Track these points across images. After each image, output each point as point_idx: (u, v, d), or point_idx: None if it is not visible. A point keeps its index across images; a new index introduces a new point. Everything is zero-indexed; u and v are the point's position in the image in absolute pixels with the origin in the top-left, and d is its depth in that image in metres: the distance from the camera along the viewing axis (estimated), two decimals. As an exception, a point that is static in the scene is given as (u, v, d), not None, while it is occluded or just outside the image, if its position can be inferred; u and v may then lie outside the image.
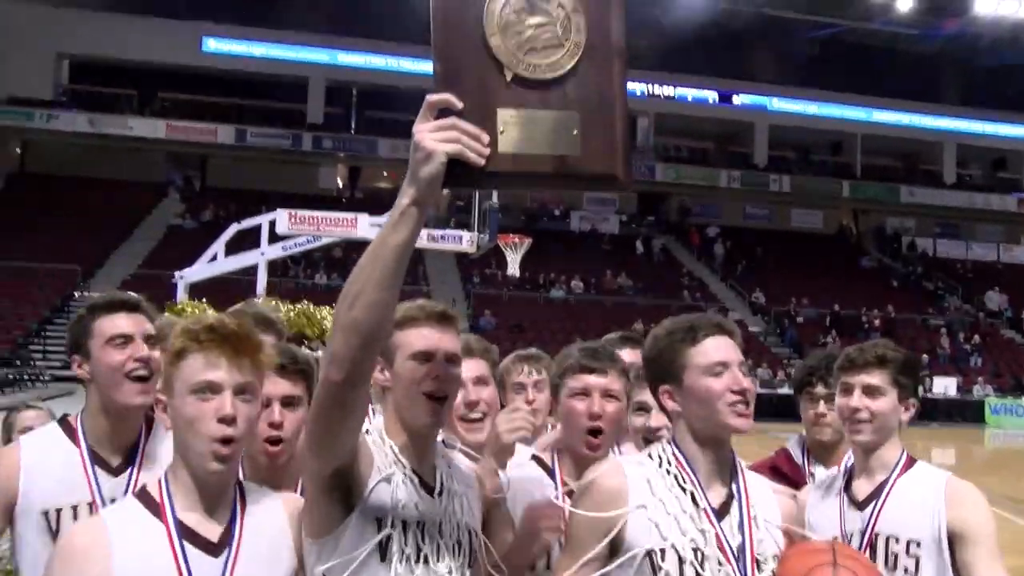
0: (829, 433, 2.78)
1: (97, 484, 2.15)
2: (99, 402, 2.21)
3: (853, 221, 38.35)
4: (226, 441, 1.61)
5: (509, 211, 26.54)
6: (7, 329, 22.02)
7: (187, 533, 1.64)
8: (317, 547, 1.69)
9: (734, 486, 1.90)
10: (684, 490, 1.85)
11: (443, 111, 1.47)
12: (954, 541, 2.12)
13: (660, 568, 1.77)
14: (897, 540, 2.16)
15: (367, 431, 1.78)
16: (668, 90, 35.65)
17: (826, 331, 28.39)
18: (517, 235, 16.97)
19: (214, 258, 11.90)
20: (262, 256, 11.69)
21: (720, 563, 1.79)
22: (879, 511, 2.22)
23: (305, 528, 1.71)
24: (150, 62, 31.09)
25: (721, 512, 1.85)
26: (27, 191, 29.53)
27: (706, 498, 1.85)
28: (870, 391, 2.26)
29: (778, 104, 36.20)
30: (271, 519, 1.73)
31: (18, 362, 20.08)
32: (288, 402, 2.01)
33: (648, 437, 2.40)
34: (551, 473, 2.26)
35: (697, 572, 1.78)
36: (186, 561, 1.61)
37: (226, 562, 1.64)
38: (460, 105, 1.47)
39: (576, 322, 23.68)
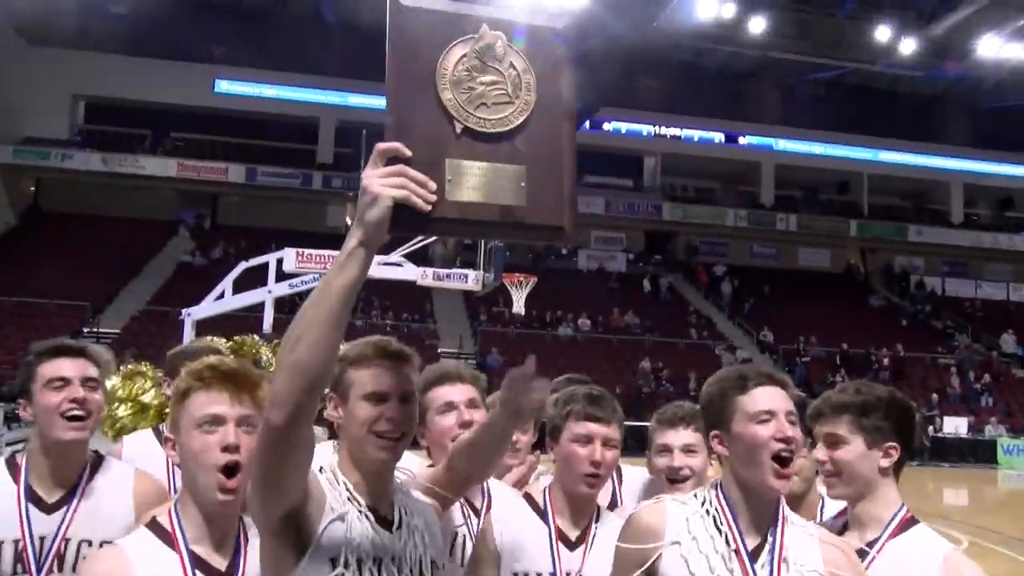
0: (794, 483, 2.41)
1: (28, 521, 2.22)
2: (39, 442, 2.31)
3: (861, 260, 38.34)
4: (231, 471, 1.71)
5: (516, 250, 26.65)
6: (18, 364, 22.09)
7: (199, 563, 1.73)
8: None
9: (772, 531, 1.92)
10: (720, 531, 1.91)
11: (393, 158, 1.51)
12: None
13: None
14: None
15: (320, 468, 1.78)
16: (675, 131, 35.94)
17: (835, 370, 28.24)
18: (522, 274, 17.03)
19: (221, 295, 11.98)
20: (269, 294, 11.76)
21: None
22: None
23: (262, 568, 1.72)
24: (163, 103, 31.59)
25: (754, 555, 1.89)
26: (40, 228, 29.86)
27: (742, 540, 1.90)
28: (832, 441, 2.15)
29: (784, 144, 36.42)
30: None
31: (27, 395, 20.08)
32: None
33: (672, 477, 2.55)
34: (543, 512, 2.31)
35: None
36: None
37: None
38: (409, 153, 1.52)
39: (583, 360, 23.64)
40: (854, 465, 2.12)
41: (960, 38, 28.92)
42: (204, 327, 11.60)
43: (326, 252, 11.52)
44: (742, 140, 36.51)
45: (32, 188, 32.71)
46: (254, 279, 13.36)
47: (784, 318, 30.85)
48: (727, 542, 1.90)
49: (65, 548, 2.19)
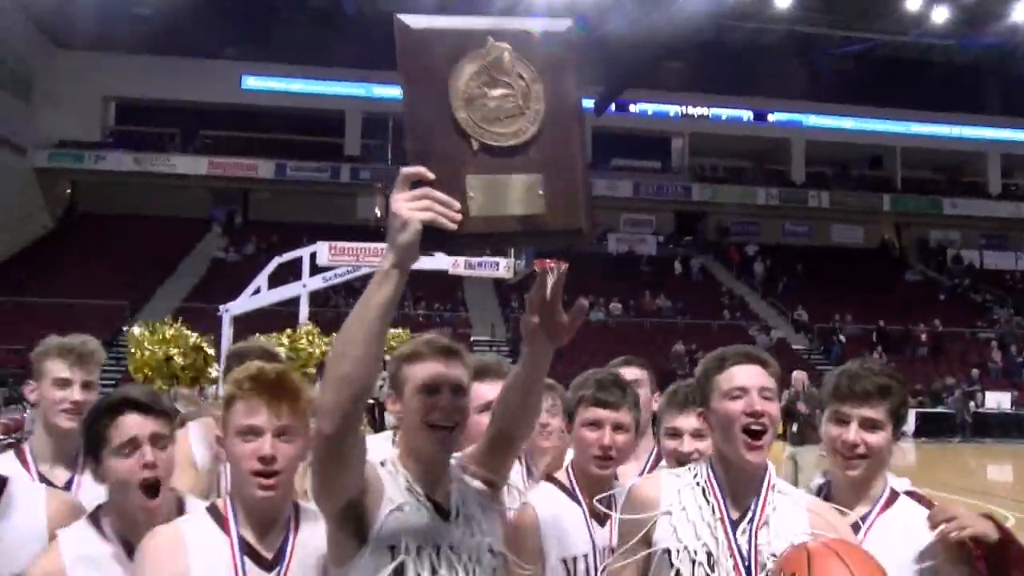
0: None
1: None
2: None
3: (895, 235, 37.77)
4: (267, 475, 1.85)
5: (546, 235, 26.63)
6: (59, 365, 22.57)
7: (247, 548, 1.87)
8: (338, 574, 1.83)
9: (756, 500, 2.06)
10: (708, 501, 2.06)
11: (417, 182, 1.58)
12: None
13: (673, 565, 2.00)
14: None
15: (382, 463, 1.90)
16: (702, 110, 35.59)
17: (872, 347, 27.89)
18: (553, 260, 17.00)
19: (257, 291, 12.12)
20: (304, 288, 11.88)
21: (728, 566, 1.99)
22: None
23: (328, 556, 1.86)
24: (191, 101, 31.94)
25: (738, 522, 2.04)
26: (77, 230, 30.41)
27: (726, 509, 2.05)
28: (869, 425, 2.16)
29: (814, 120, 35.91)
30: (321, 536, 1.87)
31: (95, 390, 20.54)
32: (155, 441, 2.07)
33: (682, 461, 2.51)
34: (572, 493, 2.43)
35: (706, 571, 1.98)
36: (244, 573, 1.85)
37: (280, 574, 1.88)
38: (432, 176, 1.59)
39: (615, 344, 23.53)
40: (884, 451, 2.17)
41: (994, 5, 28.26)
42: (241, 322, 11.77)
43: (358, 245, 11.60)
44: (771, 117, 36.05)
45: (68, 191, 33.30)
46: (288, 273, 13.50)
47: (818, 296, 30.50)
48: (713, 511, 2.04)
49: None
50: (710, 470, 2.11)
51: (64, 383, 2.63)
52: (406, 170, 1.60)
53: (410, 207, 1.56)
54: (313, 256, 11.76)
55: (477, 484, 2.03)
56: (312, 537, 1.90)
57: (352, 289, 26.99)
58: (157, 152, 31.93)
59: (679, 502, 2.06)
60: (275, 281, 12.57)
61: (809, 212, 35.74)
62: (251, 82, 32.89)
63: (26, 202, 30.02)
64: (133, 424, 2.01)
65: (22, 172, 30.07)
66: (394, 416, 1.97)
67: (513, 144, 1.66)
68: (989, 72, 35.19)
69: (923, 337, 28.50)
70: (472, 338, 26.33)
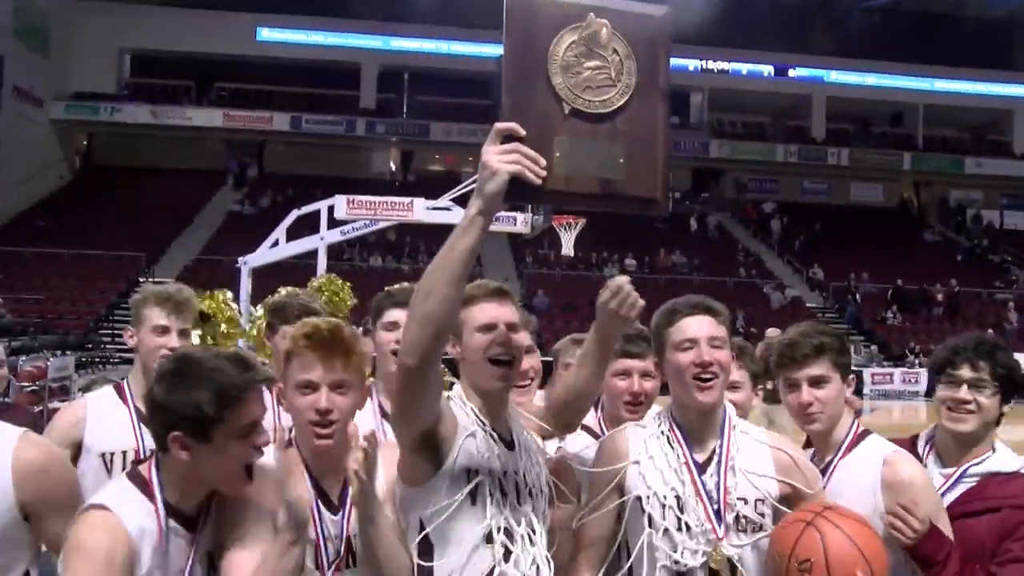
0: (973, 423, 2.38)
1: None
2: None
3: (915, 194, 37.32)
4: (324, 425, 2.01)
5: (561, 191, 26.50)
6: (78, 314, 22.86)
7: (318, 491, 2.06)
8: (412, 494, 2.00)
9: (718, 442, 2.20)
10: (672, 448, 2.19)
11: (508, 137, 1.70)
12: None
13: (645, 511, 2.13)
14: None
15: (448, 396, 2.06)
16: (722, 64, 35.03)
17: (887, 306, 27.78)
18: (571, 216, 16.96)
19: (276, 243, 12.18)
20: (322, 241, 11.92)
21: (697, 508, 2.11)
22: (824, 488, 2.29)
23: (400, 477, 2.02)
24: (207, 53, 31.75)
25: (704, 465, 2.17)
26: (94, 182, 30.53)
27: (690, 454, 2.18)
28: (816, 382, 2.35)
29: (836, 76, 35.28)
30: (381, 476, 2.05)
31: (89, 345, 20.84)
32: None
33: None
34: (600, 437, 2.59)
35: (676, 515, 2.12)
36: (320, 514, 2.04)
37: (343, 517, 2.06)
38: (523, 133, 1.70)
39: (630, 301, 23.59)
40: (837, 401, 2.36)
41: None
42: (259, 274, 11.85)
43: (376, 199, 11.62)
44: (792, 73, 35.44)
45: (85, 142, 33.36)
46: (303, 226, 13.54)
47: (835, 255, 30.31)
48: (679, 457, 2.17)
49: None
50: (671, 418, 2.24)
51: (163, 330, 2.77)
52: (500, 124, 1.71)
53: (500, 159, 1.66)
54: (331, 209, 11.78)
55: (522, 422, 2.20)
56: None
57: (366, 243, 27.11)
58: (173, 104, 31.87)
59: (646, 451, 2.19)
60: (291, 234, 12.62)
61: (828, 170, 35.33)
62: (266, 34, 32.63)
63: (44, 153, 30.11)
64: None
65: (39, 124, 30.12)
66: (455, 358, 2.12)
67: (602, 112, 1.79)
68: (1020, 28, 34.37)
69: (939, 297, 28.32)
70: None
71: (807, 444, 2.53)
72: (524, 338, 2.42)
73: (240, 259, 11.87)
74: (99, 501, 1.85)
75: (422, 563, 1.97)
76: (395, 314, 2.72)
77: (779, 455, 2.21)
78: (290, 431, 2.14)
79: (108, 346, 20.97)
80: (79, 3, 30.89)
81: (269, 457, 1.99)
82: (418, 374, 1.79)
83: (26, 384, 11.65)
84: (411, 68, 33.82)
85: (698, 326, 2.20)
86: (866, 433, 2.39)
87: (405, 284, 2.79)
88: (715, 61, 34.85)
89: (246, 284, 11.39)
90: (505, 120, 1.72)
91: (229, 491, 1.92)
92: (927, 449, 2.51)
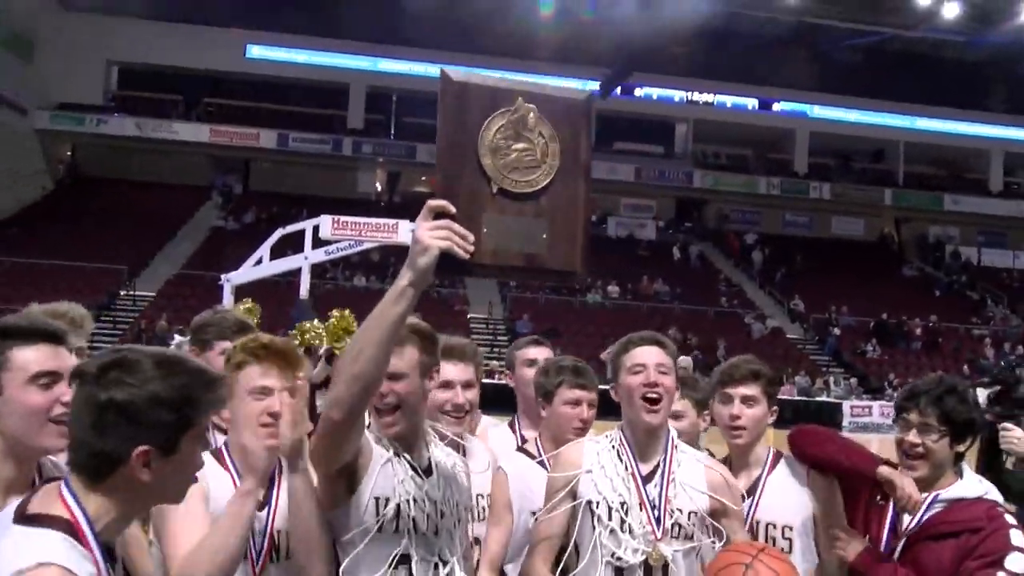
0: (923, 469, 2.46)
1: None
2: None
3: (895, 229, 37.79)
4: (275, 427, 2.10)
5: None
6: (56, 327, 22.58)
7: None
8: (329, 517, 2.12)
9: (662, 458, 2.50)
10: (621, 460, 2.49)
11: (440, 214, 1.81)
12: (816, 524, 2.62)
13: (595, 514, 2.42)
14: (774, 526, 2.64)
15: (368, 425, 2.18)
16: (707, 97, 35.45)
17: (867, 339, 28.01)
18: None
19: (259, 261, 12.11)
20: (306, 260, 11.84)
21: (640, 513, 2.40)
22: (757, 502, 2.67)
23: (320, 502, 2.12)
24: (195, 68, 31.76)
25: (649, 477, 2.47)
26: (77, 193, 30.31)
27: (637, 466, 2.48)
28: (747, 401, 2.71)
29: (819, 111, 35.80)
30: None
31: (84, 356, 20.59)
32: None
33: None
34: (539, 459, 2.86)
35: (621, 518, 2.40)
36: None
37: (268, 513, 2.18)
38: (454, 210, 1.82)
39: (612, 327, 23.66)
40: (761, 422, 2.72)
41: (1005, 3, 28.11)
42: (242, 291, 11.78)
43: (362, 220, 11.57)
44: (776, 107, 35.94)
45: (68, 153, 33.15)
46: (287, 244, 13.49)
47: (816, 287, 30.59)
48: (626, 468, 2.47)
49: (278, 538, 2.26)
50: (622, 434, 2.54)
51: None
52: (432, 202, 1.83)
53: (431, 235, 1.78)
54: (316, 229, 11.74)
55: (448, 450, 2.41)
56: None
57: (350, 263, 27.04)
58: (159, 118, 31.77)
59: (598, 462, 2.48)
60: (275, 252, 12.56)
61: (810, 203, 35.75)
62: (256, 51, 32.68)
63: (26, 163, 29.88)
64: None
65: (23, 133, 29.92)
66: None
67: (527, 191, 1.91)
68: (997, 70, 35.07)
69: (918, 331, 28.61)
70: (469, 315, 26.41)
71: (725, 460, 2.85)
72: (467, 372, 2.76)
73: (223, 276, 11.80)
74: (46, 559, 1.40)
75: None
76: (223, 346, 2.94)
77: (712, 474, 2.53)
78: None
79: (88, 358, 20.68)
80: (67, 13, 30.84)
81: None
82: (344, 426, 1.92)
83: None
84: (399, 90, 33.96)
85: (648, 354, 2.50)
86: (781, 454, 2.76)
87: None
88: (700, 93, 35.28)
89: (228, 301, 11.31)
90: (438, 197, 1.83)
91: (168, 503, 1.71)
92: None
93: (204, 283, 22.40)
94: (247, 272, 11.96)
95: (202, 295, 21.62)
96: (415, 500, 2.13)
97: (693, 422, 3.21)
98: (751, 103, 35.77)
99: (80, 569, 1.42)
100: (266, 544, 2.16)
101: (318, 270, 16.61)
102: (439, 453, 2.31)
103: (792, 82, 34.88)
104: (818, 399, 22.97)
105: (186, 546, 1.95)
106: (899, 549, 2.44)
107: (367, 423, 2.16)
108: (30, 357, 1.80)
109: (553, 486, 2.50)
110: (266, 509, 2.17)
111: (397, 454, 2.17)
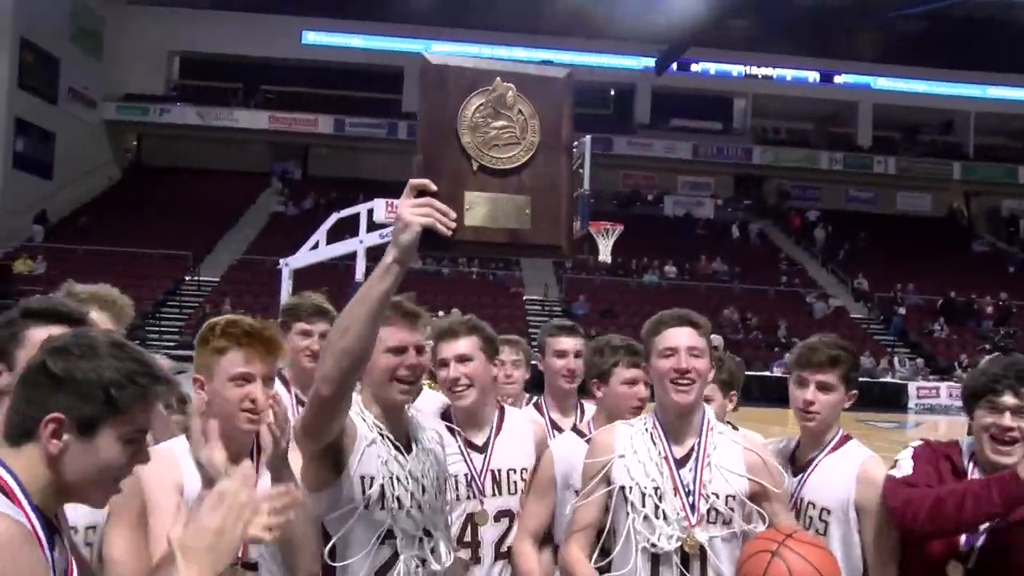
0: (1019, 453, 2.36)
1: None
2: None
3: (964, 204, 36.50)
4: (255, 412, 2.16)
5: (601, 197, 26.42)
6: (126, 312, 23.34)
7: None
8: (314, 499, 2.14)
9: (697, 441, 2.45)
10: (654, 444, 2.45)
11: (422, 192, 1.84)
12: (859, 514, 2.54)
13: (628, 499, 2.40)
14: (814, 506, 2.61)
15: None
16: (766, 71, 34.66)
17: (934, 318, 27.20)
18: (609, 222, 16.91)
19: (316, 246, 12.31)
20: (360, 244, 12.01)
21: (674, 499, 2.37)
22: (805, 480, 2.66)
23: (303, 482, 2.13)
24: (253, 56, 32.28)
25: (683, 461, 2.43)
26: (142, 181, 31.19)
27: (670, 450, 2.44)
28: (824, 387, 2.63)
29: (883, 83, 34.68)
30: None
31: (136, 341, 21.29)
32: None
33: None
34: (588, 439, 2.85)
35: (655, 504, 2.37)
36: None
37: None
38: (435, 188, 1.84)
39: (668, 308, 23.39)
40: (836, 409, 2.66)
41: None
42: (300, 275, 12.01)
43: (415, 202, 11.69)
44: (838, 79, 34.93)
45: (134, 143, 34.10)
46: (344, 228, 13.68)
47: (881, 265, 29.78)
48: (660, 452, 2.43)
49: None
50: (655, 418, 2.51)
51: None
52: (413, 181, 1.85)
53: (413, 212, 1.80)
54: (371, 212, 11.88)
55: (431, 424, 2.46)
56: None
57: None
58: (219, 106, 32.42)
59: (631, 446, 2.45)
60: (332, 236, 12.75)
61: (874, 178, 34.75)
62: (312, 37, 33.05)
63: (96, 154, 30.86)
64: None
65: (92, 125, 30.88)
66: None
67: (508, 168, 1.93)
68: (1074, 34, 33.47)
69: (989, 309, 27.65)
70: (525, 297, 26.44)
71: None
72: (466, 346, 2.72)
73: (281, 261, 12.03)
74: None
75: (327, 563, 2.14)
76: (300, 326, 3.21)
77: (750, 455, 2.47)
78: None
79: (155, 343, 21.35)
80: (130, 7, 31.61)
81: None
82: (332, 401, 1.94)
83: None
84: (454, 72, 33.95)
85: (679, 336, 2.45)
86: (848, 438, 2.70)
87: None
88: (759, 67, 34.50)
89: (287, 285, 11.54)
90: (419, 176, 1.85)
91: (87, 504, 1.59)
92: (971, 466, 2.50)
93: (265, 268, 22.85)
94: (304, 256, 12.18)
95: (263, 280, 22.06)
96: (398, 479, 2.19)
97: (720, 404, 3.16)
98: (812, 76, 34.83)
99: (20, 520, 1.42)
100: None
101: (375, 253, 16.77)
102: (418, 429, 2.36)
103: (854, 53, 33.83)
104: (882, 380, 22.39)
105: (158, 552, 1.85)
106: (985, 536, 2.35)
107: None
108: (43, 336, 1.83)
109: (588, 472, 2.50)
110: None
111: (381, 434, 2.21)
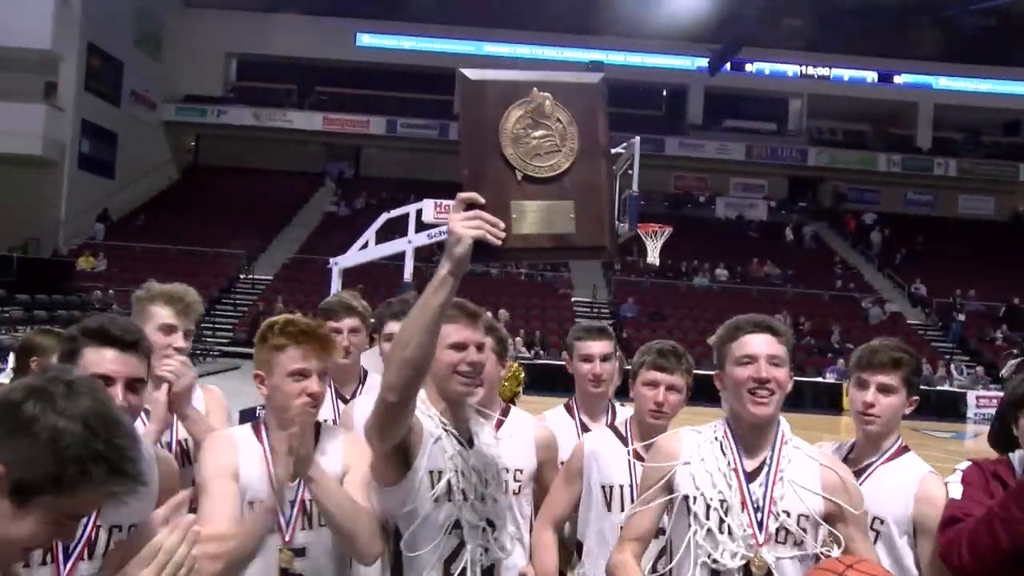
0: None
1: None
2: None
3: (1030, 207, 35.33)
4: (313, 405, 2.31)
5: (652, 199, 26.21)
6: (182, 309, 23.89)
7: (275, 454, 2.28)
8: (384, 492, 2.29)
9: (770, 454, 2.32)
10: (724, 454, 2.32)
11: (470, 204, 1.92)
12: (916, 530, 2.47)
13: (691, 510, 2.28)
14: (866, 513, 2.42)
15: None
16: (823, 70, 34.02)
17: (996, 325, 26.38)
18: (658, 223, 16.76)
19: (365, 245, 12.45)
20: (409, 244, 12.11)
21: (741, 513, 2.24)
22: (859, 486, 2.47)
23: (374, 476, 2.29)
24: (308, 58, 32.80)
25: (753, 474, 2.30)
26: (200, 181, 31.91)
27: (741, 462, 2.31)
28: (884, 389, 2.57)
29: (945, 82, 33.76)
30: (334, 448, 2.40)
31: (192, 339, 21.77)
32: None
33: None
34: (622, 436, 2.93)
35: (720, 517, 2.25)
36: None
37: (298, 483, 2.27)
38: (483, 200, 1.93)
39: (719, 311, 23.10)
40: (896, 412, 2.59)
41: None
42: (349, 274, 12.15)
43: (463, 203, 11.74)
44: (897, 79, 34.11)
45: (192, 143, 34.91)
46: (395, 229, 13.81)
47: (940, 270, 28.99)
48: (729, 463, 2.30)
49: (96, 535, 2.00)
50: (726, 426, 2.38)
51: (170, 329, 2.78)
52: (461, 195, 1.94)
53: (464, 225, 1.89)
54: (419, 213, 11.97)
55: (483, 420, 2.57)
56: (330, 450, 2.39)
57: (457, 246, 27.41)
58: (275, 107, 33.02)
59: (698, 454, 2.33)
60: (382, 236, 12.88)
61: (934, 180, 33.85)
62: (366, 39, 33.45)
63: (155, 154, 31.68)
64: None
65: (152, 126, 31.71)
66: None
67: (550, 175, 2.00)
68: None
69: (1055, 317, 26.71)
70: (573, 299, 26.37)
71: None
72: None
73: (331, 260, 12.19)
74: None
75: (397, 550, 2.30)
76: (393, 326, 3.22)
77: (827, 473, 2.32)
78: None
79: (209, 339, 21.83)
80: (189, 10, 32.39)
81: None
82: (397, 407, 2.06)
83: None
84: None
85: (759, 343, 2.31)
86: (906, 449, 2.62)
87: (406, 296, 3.05)
88: (815, 67, 33.88)
89: (336, 284, 11.69)
90: (466, 190, 1.94)
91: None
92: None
93: (317, 267, 23.15)
94: (354, 256, 12.32)
95: (315, 279, 22.38)
96: (463, 473, 2.30)
97: None
98: (870, 76, 34.08)
99: None
100: (296, 511, 2.29)
101: (425, 253, 16.92)
102: (478, 425, 2.48)
103: (914, 52, 32.98)
104: (939, 388, 21.79)
105: (215, 526, 2.12)
106: None
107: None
108: (97, 358, 2.01)
109: (648, 478, 2.41)
110: (296, 480, 2.27)
111: (445, 430, 2.33)
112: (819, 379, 20.79)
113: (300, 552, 2.28)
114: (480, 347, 2.38)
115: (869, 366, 2.59)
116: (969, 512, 2.32)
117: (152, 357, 2.20)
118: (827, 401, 19.88)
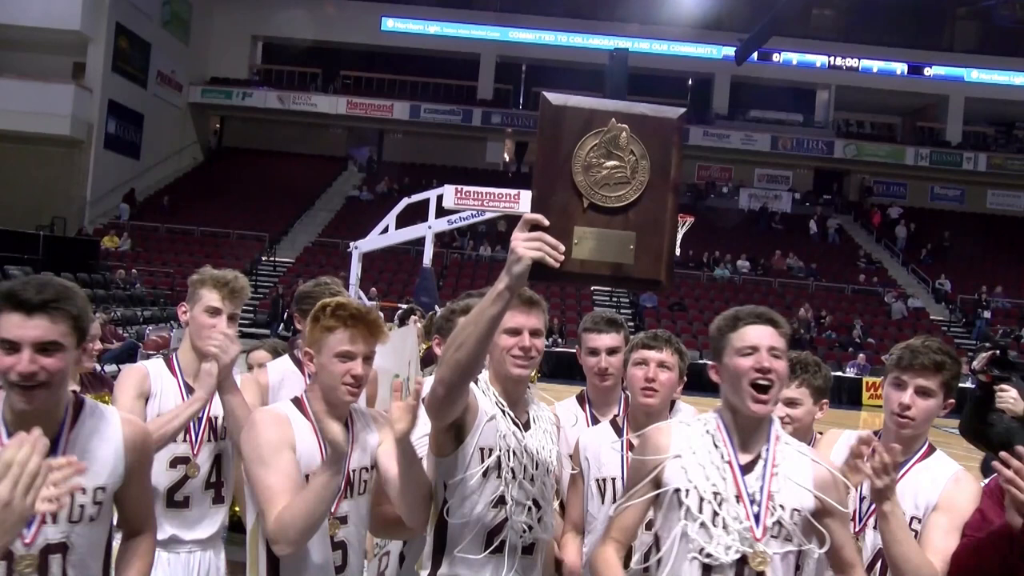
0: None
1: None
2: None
3: (1061, 203, 34.72)
4: (355, 387, 2.42)
5: (675, 188, 25.99)
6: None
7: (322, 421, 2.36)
8: (437, 462, 2.41)
9: (765, 448, 2.29)
10: (716, 447, 2.29)
11: (535, 226, 1.99)
12: (935, 508, 2.44)
13: (683, 503, 2.24)
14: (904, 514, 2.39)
15: (475, 381, 2.41)
16: (851, 61, 33.56)
17: (1022, 323, 26.01)
18: (680, 214, 16.67)
19: (385, 230, 12.47)
20: (429, 229, 12.13)
21: (736, 506, 2.21)
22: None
23: (430, 446, 2.42)
24: (333, 42, 32.82)
25: (747, 468, 2.26)
26: (224, 163, 32.10)
27: (735, 455, 2.27)
28: (923, 392, 2.50)
29: (977, 75, 33.20)
30: (367, 426, 2.54)
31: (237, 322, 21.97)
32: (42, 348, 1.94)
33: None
34: (619, 429, 2.97)
35: (714, 510, 2.21)
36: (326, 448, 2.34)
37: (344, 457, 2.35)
38: (547, 223, 1.99)
39: (740, 303, 22.85)
40: (933, 416, 2.53)
41: None
42: (369, 258, 12.17)
43: (483, 189, 11.70)
44: (928, 71, 33.57)
45: (217, 126, 35.10)
46: (417, 214, 13.81)
47: (965, 266, 28.62)
48: (722, 456, 2.26)
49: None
50: (719, 419, 2.34)
51: (215, 312, 2.99)
52: (527, 216, 2.02)
53: (525, 246, 1.97)
54: (440, 198, 11.96)
55: (543, 406, 2.67)
56: (364, 428, 2.52)
57: (477, 233, 27.44)
58: (299, 91, 33.11)
59: (689, 447, 2.29)
60: (403, 221, 12.89)
61: (963, 175, 33.36)
62: (391, 24, 33.40)
63: (182, 136, 31.91)
64: None
65: (178, 108, 31.91)
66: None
67: (616, 206, 2.05)
68: None
69: (1083, 316, 26.30)
70: (593, 288, 26.30)
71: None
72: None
73: (352, 244, 12.22)
74: None
75: (442, 517, 2.41)
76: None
77: (819, 470, 2.31)
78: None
79: (229, 320, 21.96)
80: (218, -7, 32.53)
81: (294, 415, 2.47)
82: (448, 399, 2.21)
83: (152, 352, 12.38)
84: (528, 59, 33.95)
85: (761, 334, 2.28)
86: (934, 448, 2.59)
87: (470, 300, 3.02)
88: (844, 58, 33.42)
89: (356, 268, 11.72)
90: (533, 211, 2.02)
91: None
92: None
93: (339, 250, 23.28)
94: (374, 240, 12.34)
95: (337, 262, 22.49)
96: (514, 452, 2.41)
97: (808, 410, 3.00)
98: (900, 68, 33.57)
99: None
100: (342, 483, 2.38)
101: (446, 239, 16.95)
102: (539, 410, 2.60)
103: (946, 44, 32.45)
104: (961, 385, 21.55)
105: (280, 501, 2.26)
106: None
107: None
108: (4, 325, 1.92)
109: (636, 471, 2.34)
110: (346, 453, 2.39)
111: (502, 410, 2.44)
112: (839, 374, 20.62)
113: (343, 520, 2.44)
114: (535, 332, 2.48)
115: (910, 367, 2.51)
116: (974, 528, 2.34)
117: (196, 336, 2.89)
118: (847, 397, 19.74)
